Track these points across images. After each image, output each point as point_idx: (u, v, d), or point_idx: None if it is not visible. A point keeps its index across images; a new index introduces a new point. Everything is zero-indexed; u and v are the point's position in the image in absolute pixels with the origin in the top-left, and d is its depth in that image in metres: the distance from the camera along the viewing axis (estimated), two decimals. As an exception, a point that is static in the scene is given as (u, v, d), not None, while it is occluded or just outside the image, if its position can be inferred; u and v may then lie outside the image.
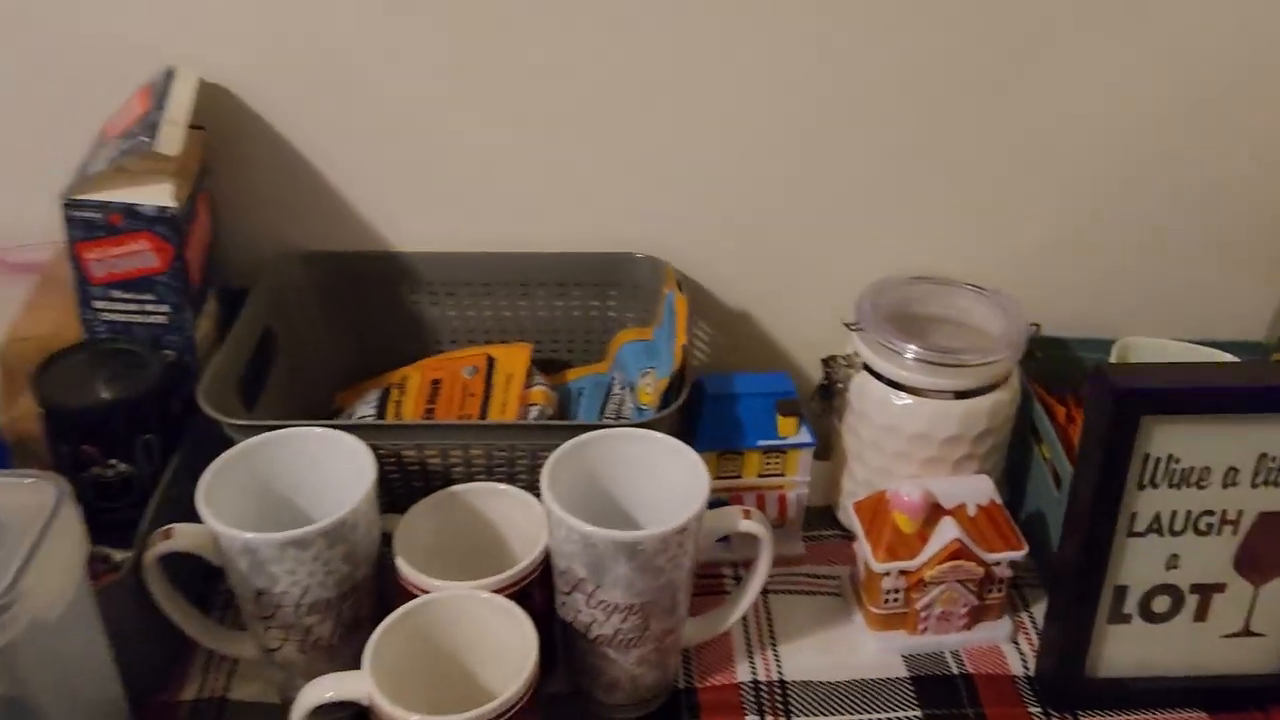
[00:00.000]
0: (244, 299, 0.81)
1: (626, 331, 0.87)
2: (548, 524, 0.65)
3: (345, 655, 0.66)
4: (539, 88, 0.81)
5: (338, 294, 0.87)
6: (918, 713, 0.70)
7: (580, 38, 0.79)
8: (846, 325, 0.77)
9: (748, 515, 0.67)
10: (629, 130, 0.83)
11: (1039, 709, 0.71)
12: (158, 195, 0.71)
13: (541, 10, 0.78)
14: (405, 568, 0.65)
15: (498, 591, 0.64)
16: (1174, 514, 0.66)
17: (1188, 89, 0.82)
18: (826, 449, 0.85)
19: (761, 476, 0.78)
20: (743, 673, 0.73)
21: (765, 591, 0.78)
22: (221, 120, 0.81)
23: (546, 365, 0.88)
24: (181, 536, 0.65)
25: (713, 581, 0.79)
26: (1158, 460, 0.65)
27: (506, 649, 0.62)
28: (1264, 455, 0.65)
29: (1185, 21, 0.79)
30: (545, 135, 0.83)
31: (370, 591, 0.67)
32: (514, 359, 0.84)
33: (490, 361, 0.84)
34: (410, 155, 0.84)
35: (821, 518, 0.85)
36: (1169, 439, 0.64)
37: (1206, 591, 0.69)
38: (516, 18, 0.78)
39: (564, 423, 0.78)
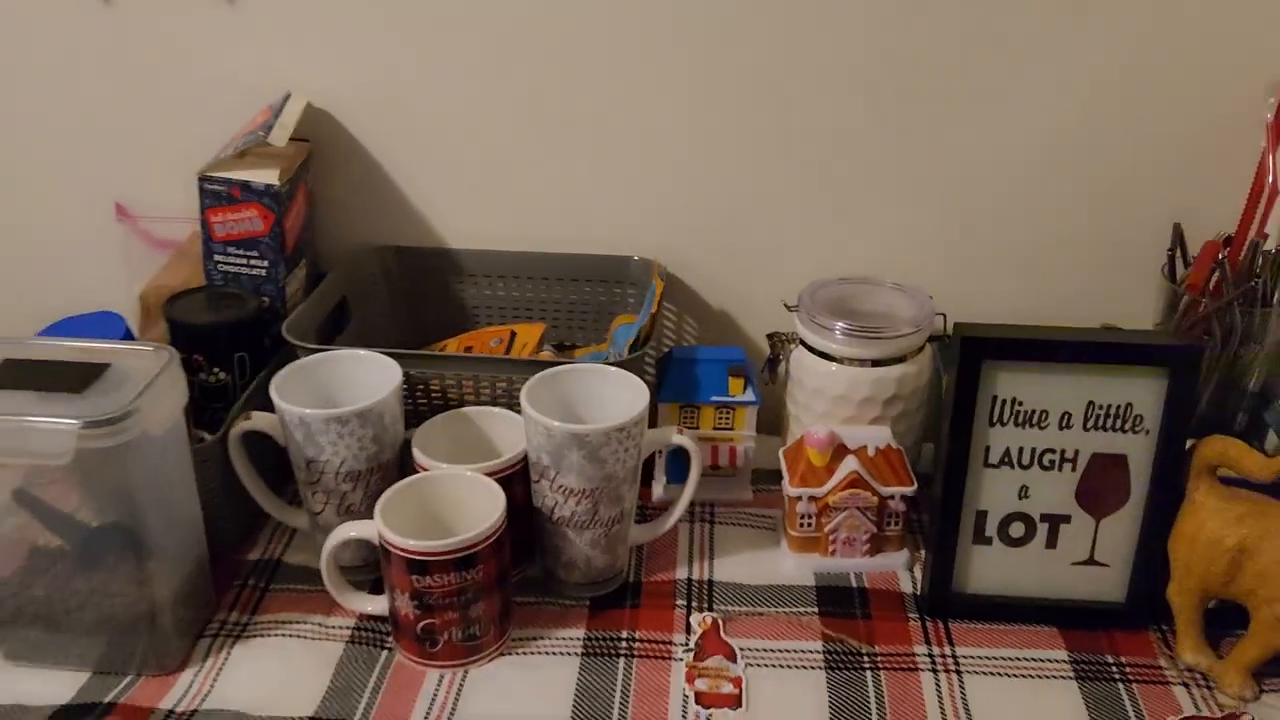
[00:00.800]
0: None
1: (622, 316, 1.07)
2: (525, 430, 0.85)
3: (369, 521, 0.86)
4: (562, 123, 1.04)
5: (400, 279, 1.10)
6: (815, 609, 0.86)
7: (589, 85, 1.02)
8: (786, 306, 0.96)
9: (681, 431, 0.86)
10: (636, 160, 1.05)
11: (916, 615, 0.86)
12: (267, 176, 0.95)
13: (562, 63, 1.02)
14: (418, 452, 0.86)
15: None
16: (1021, 450, 0.82)
17: (1096, 116, 1.00)
18: (780, 423, 1.03)
19: (715, 429, 0.97)
20: (680, 574, 0.90)
21: (711, 522, 0.96)
22: (321, 136, 1.06)
23: (562, 347, 1.09)
24: (258, 419, 0.87)
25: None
26: (1004, 401, 0.81)
27: (486, 518, 0.81)
28: (1092, 403, 0.81)
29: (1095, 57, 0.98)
30: (570, 159, 1.06)
31: (392, 475, 0.88)
32: (531, 333, 1.05)
33: (512, 335, 1.06)
34: (463, 172, 1.08)
35: (774, 478, 1.02)
36: (1011, 383, 0.81)
37: (1055, 521, 0.84)
38: (543, 66, 1.02)
39: (545, 360, 0.98)
